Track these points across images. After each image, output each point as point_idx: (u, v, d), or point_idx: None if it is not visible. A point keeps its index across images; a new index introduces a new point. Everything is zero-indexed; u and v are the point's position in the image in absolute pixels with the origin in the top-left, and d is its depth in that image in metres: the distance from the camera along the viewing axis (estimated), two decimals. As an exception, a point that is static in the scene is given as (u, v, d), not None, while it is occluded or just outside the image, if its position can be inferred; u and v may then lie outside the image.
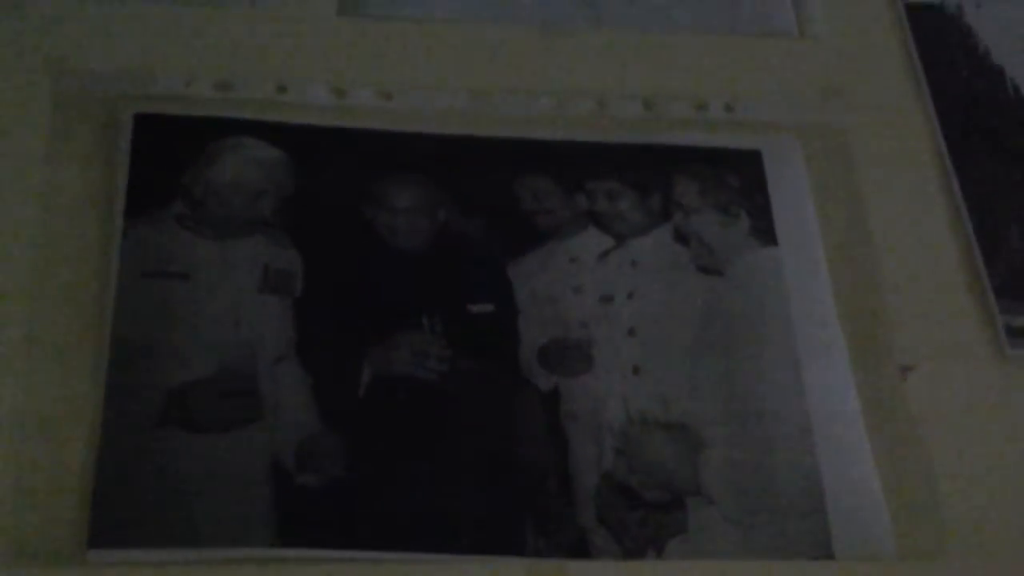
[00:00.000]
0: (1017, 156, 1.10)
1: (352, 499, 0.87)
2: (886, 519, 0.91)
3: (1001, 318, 1.00)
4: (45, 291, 0.92)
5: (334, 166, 1.01)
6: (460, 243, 0.99)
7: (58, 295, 0.92)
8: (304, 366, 0.92)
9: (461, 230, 1.00)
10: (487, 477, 0.90)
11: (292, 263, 0.96)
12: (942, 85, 1.13)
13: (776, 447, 0.93)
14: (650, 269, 1.00)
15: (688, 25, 1.15)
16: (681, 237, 1.02)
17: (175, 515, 0.85)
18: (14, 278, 0.92)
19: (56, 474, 0.85)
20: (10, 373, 0.88)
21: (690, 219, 1.02)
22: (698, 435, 0.93)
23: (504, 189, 1.02)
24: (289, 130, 1.01)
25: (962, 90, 1.14)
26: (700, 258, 1.01)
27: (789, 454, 0.93)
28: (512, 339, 0.96)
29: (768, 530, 0.90)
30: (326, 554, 0.85)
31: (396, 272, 0.97)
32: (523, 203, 1.02)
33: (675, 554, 0.89)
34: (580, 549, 0.88)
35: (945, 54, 1.15)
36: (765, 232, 1.02)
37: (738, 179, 1.05)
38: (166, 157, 0.98)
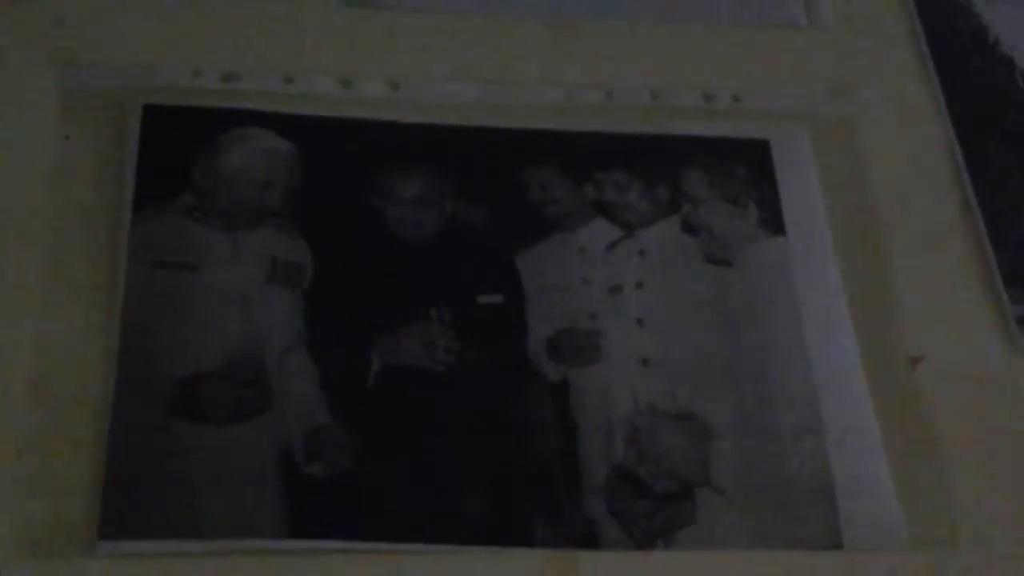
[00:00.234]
0: (1027, 146, 1.10)
1: (360, 490, 0.87)
2: (896, 509, 0.91)
3: (1011, 308, 1.00)
4: (54, 283, 0.92)
5: (342, 157, 1.01)
6: (468, 234, 0.99)
7: (67, 287, 0.92)
8: (313, 357, 0.92)
9: (469, 221, 1.00)
10: (496, 468, 0.90)
11: (300, 254, 0.96)
12: (951, 75, 1.13)
13: (785, 437, 0.93)
14: (658, 260, 1.00)
15: (696, 15, 1.14)
16: (689, 227, 1.02)
17: (185, 506, 0.85)
18: (24, 270, 0.92)
19: (66, 466, 0.85)
20: (21, 364, 0.88)
21: (698, 210, 1.02)
22: (707, 426, 0.93)
23: (512, 180, 1.02)
24: (297, 121, 1.01)
25: (972, 80, 1.13)
26: (708, 248, 1.01)
27: (799, 444, 0.93)
28: (520, 330, 0.96)
29: (778, 521, 0.90)
30: (335, 545, 0.85)
31: (404, 263, 0.97)
32: (531, 194, 1.02)
33: (685, 545, 0.89)
34: (589, 540, 0.88)
35: (955, 44, 1.15)
36: (773, 222, 1.02)
37: (746, 170, 1.05)
38: (174, 149, 0.98)
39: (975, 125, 1.10)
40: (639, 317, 0.97)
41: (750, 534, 0.89)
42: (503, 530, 0.88)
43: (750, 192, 1.04)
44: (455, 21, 1.10)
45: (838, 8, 1.16)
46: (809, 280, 1.00)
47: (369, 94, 1.05)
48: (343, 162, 1.00)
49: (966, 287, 1.02)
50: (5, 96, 1.00)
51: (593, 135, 1.05)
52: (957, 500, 0.91)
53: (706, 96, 1.09)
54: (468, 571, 0.86)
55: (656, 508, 0.90)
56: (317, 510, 0.87)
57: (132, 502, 0.84)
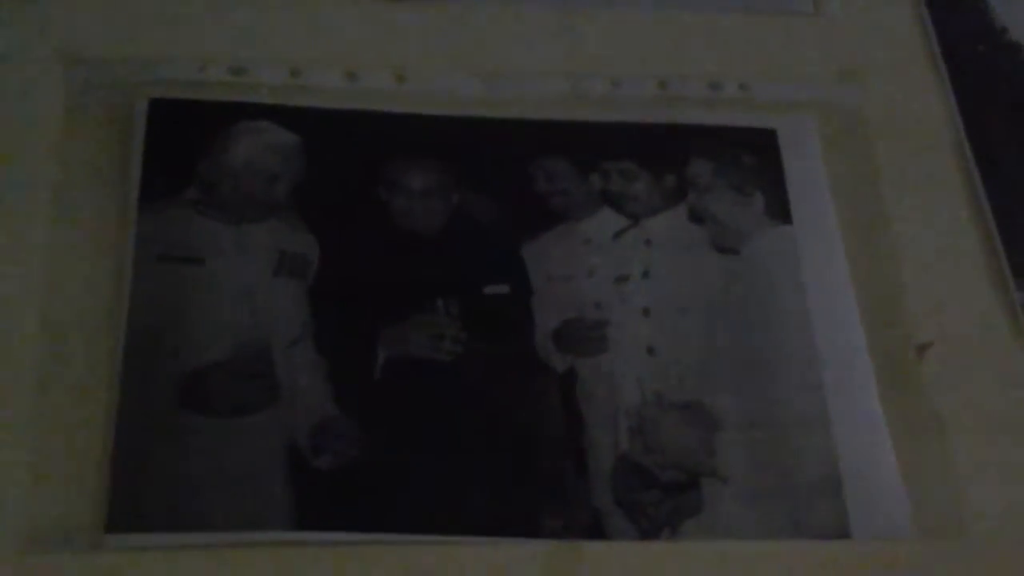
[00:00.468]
0: (1035, 134, 1.10)
1: (367, 482, 0.88)
2: (903, 498, 0.91)
3: (1019, 297, 1.00)
4: (61, 277, 0.92)
5: (348, 149, 1.01)
6: (474, 225, 0.99)
7: (74, 280, 0.92)
8: (319, 349, 0.92)
9: (475, 212, 1.00)
10: (502, 459, 0.90)
11: (307, 247, 0.96)
12: (959, 63, 1.12)
13: (792, 427, 0.93)
14: (665, 249, 1.00)
15: (703, 4, 1.14)
16: (696, 216, 1.01)
17: (191, 499, 0.85)
18: (31, 264, 0.92)
19: (73, 459, 0.85)
20: (27, 359, 0.89)
21: (705, 198, 1.02)
22: (713, 415, 0.93)
23: (518, 170, 1.02)
24: (303, 114, 1.01)
25: (979, 68, 1.13)
26: (715, 237, 1.00)
27: (805, 434, 0.93)
28: (527, 321, 0.96)
29: (784, 510, 0.90)
30: (341, 537, 0.86)
31: (410, 255, 0.97)
32: (537, 184, 1.01)
33: (691, 534, 0.89)
34: (596, 530, 0.89)
35: (962, 32, 1.14)
36: (780, 211, 1.02)
37: (753, 158, 1.04)
38: (180, 142, 0.98)
39: (982, 112, 1.09)
40: (645, 307, 0.97)
41: (756, 524, 0.89)
42: (509, 521, 0.88)
43: (757, 181, 1.03)
44: (461, 13, 1.10)
45: (845, -4, 1.16)
46: (816, 269, 1.00)
47: (375, 86, 1.05)
48: (349, 154, 1.00)
49: (973, 276, 1.01)
50: (12, 90, 1.00)
51: (599, 125, 1.05)
52: (964, 490, 0.91)
53: (713, 85, 1.08)
54: (475, 562, 0.86)
55: (662, 498, 0.90)
56: (324, 502, 0.87)
57: (139, 495, 0.85)
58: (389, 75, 1.05)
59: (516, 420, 0.92)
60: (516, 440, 0.91)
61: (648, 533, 0.89)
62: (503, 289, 0.97)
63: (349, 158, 1.00)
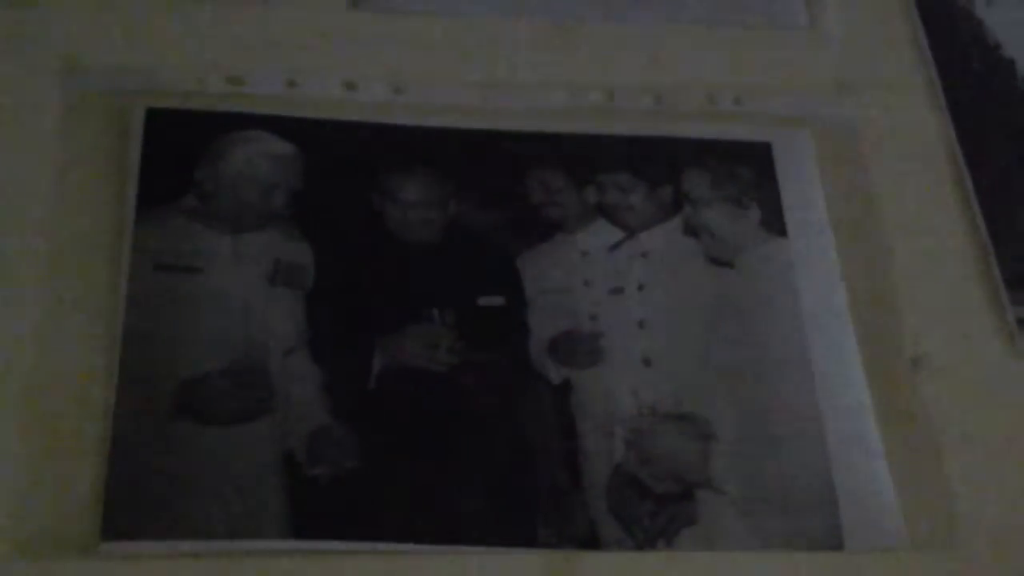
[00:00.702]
0: (1028, 148, 1.10)
1: (362, 491, 0.88)
2: (896, 510, 0.91)
3: (1012, 309, 1.00)
4: (58, 284, 0.92)
5: (345, 159, 1.01)
6: (470, 236, 1.00)
7: (70, 289, 0.92)
8: (315, 359, 0.92)
9: (471, 223, 1.00)
10: (497, 469, 0.90)
11: (303, 256, 0.96)
12: (953, 78, 1.13)
13: (786, 438, 0.93)
14: (660, 261, 1.00)
15: (698, 18, 1.14)
16: (691, 229, 1.02)
17: (187, 507, 0.85)
18: (27, 272, 0.92)
19: (68, 466, 0.85)
20: (23, 366, 0.88)
21: (700, 211, 1.02)
22: (708, 427, 0.93)
23: (514, 182, 1.02)
24: (300, 124, 1.02)
25: (973, 83, 1.14)
26: (710, 250, 1.01)
27: (799, 445, 0.93)
28: (522, 332, 0.96)
29: (778, 522, 0.90)
30: (337, 546, 0.86)
31: (406, 265, 0.98)
32: (533, 196, 1.02)
33: (685, 546, 0.89)
34: (591, 541, 0.89)
35: (956, 47, 1.15)
36: (775, 224, 1.02)
37: (748, 171, 1.05)
38: (178, 151, 0.99)
39: (976, 127, 1.10)
40: (641, 319, 0.98)
41: (751, 535, 0.90)
42: (505, 531, 0.88)
43: (752, 194, 1.04)
44: (458, 24, 1.10)
45: (840, 11, 1.16)
46: (810, 281, 1.00)
47: (372, 97, 1.05)
48: (346, 164, 1.01)
49: (967, 289, 1.02)
50: (10, 99, 1.00)
51: (595, 137, 1.05)
52: (957, 502, 0.91)
53: (708, 98, 1.09)
54: (470, 572, 0.87)
55: (657, 509, 0.90)
56: (319, 511, 0.87)
57: (134, 503, 0.84)
58: (386, 86, 1.06)
59: (511, 431, 0.92)
60: (511, 450, 0.92)
61: (643, 544, 0.89)
62: (498, 301, 0.97)
63: (346, 168, 1.00)
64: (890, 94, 1.11)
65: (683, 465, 0.92)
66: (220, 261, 0.95)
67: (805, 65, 1.12)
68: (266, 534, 0.86)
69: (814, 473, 0.92)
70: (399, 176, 1.00)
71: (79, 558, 0.83)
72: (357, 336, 0.94)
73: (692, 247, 1.01)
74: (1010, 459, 0.94)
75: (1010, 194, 1.07)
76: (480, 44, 1.09)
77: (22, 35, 1.03)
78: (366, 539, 0.86)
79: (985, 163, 1.08)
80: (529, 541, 0.88)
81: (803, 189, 1.05)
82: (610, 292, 0.99)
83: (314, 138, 1.01)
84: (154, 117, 0.99)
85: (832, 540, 0.90)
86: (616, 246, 1.01)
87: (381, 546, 0.86)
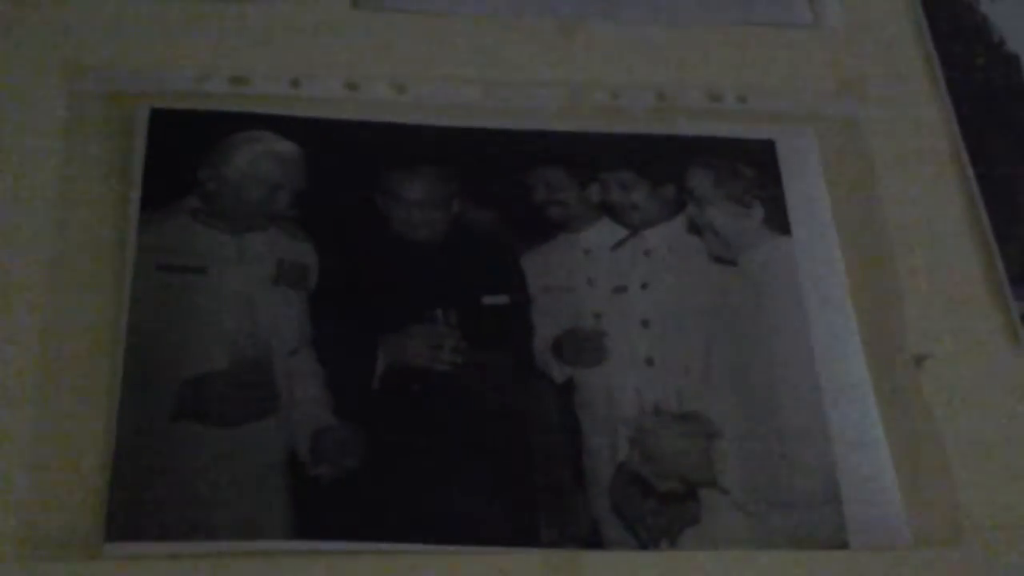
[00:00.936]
0: (1033, 145, 1.10)
1: (366, 491, 0.88)
2: (901, 509, 0.91)
3: (1016, 307, 1.00)
4: (62, 285, 0.92)
5: (348, 159, 1.01)
6: (474, 235, 1.00)
7: (74, 289, 0.92)
8: (318, 359, 0.92)
9: (474, 222, 1.00)
10: (500, 469, 0.90)
11: (306, 256, 0.96)
12: (957, 74, 1.12)
13: (790, 437, 0.93)
14: (664, 260, 1.00)
15: (702, 15, 1.14)
16: (695, 228, 1.02)
17: (191, 508, 0.85)
18: (32, 272, 0.93)
19: (72, 468, 0.86)
20: (27, 367, 0.89)
21: (704, 209, 1.02)
22: (712, 426, 0.93)
23: (518, 181, 1.02)
24: (303, 124, 1.02)
25: (977, 79, 1.13)
26: (714, 249, 1.01)
27: (803, 444, 0.93)
28: (526, 331, 0.96)
29: (782, 520, 0.90)
30: (340, 546, 0.86)
31: (410, 264, 0.98)
32: (536, 195, 1.02)
33: (689, 545, 0.89)
34: (594, 540, 0.89)
35: (960, 43, 1.15)
36: (779, 222, 1.02)
37: (752, 170, 1.05)
38: (181, 152, 0.99)
39: (980, 124, 1.10)
40: (644, 318, 0.98)
41: (754, 534, 0.90)
42: (508, 530, 0.88)
43: (756, 192, 1.04)
44: (460, 23, 1.10)
45: (845, 8, 1.16)
46: (814, 280, 1.00)
47: (375, 96, 1.05)
48: (349, 164, 1.01)
49: (971, 286, 1.02)
50: (14, 100, 1.00)
51: (598, 136, 1.05)
52: (962, 500, 0.91)
53: (712, 96, 1.09)
54: (473, 571, 0.86)
55: (660, 508, 0.90)
56: (323, 511, 0.87)
57: (138, 504, 0.85)
58: (389, 85, 1.06)
59: (515, 430, 0.92)
60: (514, 450, 0.91)
61: (646, 543, 0.89)
62: (502, 300, 0.97)
63: (349, 168, 1.00)
64: (894, 91, 1.11)
65: (686, 464, 0.92)
66: (224, 261, 0.95)
67: (809, 63, 1.12)
68: (270, 534, 0.86)
69: (818, 471, 0.92)
70: (402, 175, 1.00)
71: (83, 559, 0.83)
72: (361, 336, 0.94)
73: (696, 245, 1.01)
74: (1015, 456, 0.94)
75: (1014, 190, 1.07)
76: (483, 43, 1.09)
77: (25, 36, 1.03)
78: (369, 539, 0.86)
79: (989, 159, 1.08)
80: (532, 540, 0.88)
81: (807, 187, 1.04)
82: (613, 291, 0.99)
83: (317, 138, 1.01)
84: (157, 117, 0.99)
85: (836, 538, 0.90)
86: (619, 244, 1.01)
87: (385, 546, 0.86)
